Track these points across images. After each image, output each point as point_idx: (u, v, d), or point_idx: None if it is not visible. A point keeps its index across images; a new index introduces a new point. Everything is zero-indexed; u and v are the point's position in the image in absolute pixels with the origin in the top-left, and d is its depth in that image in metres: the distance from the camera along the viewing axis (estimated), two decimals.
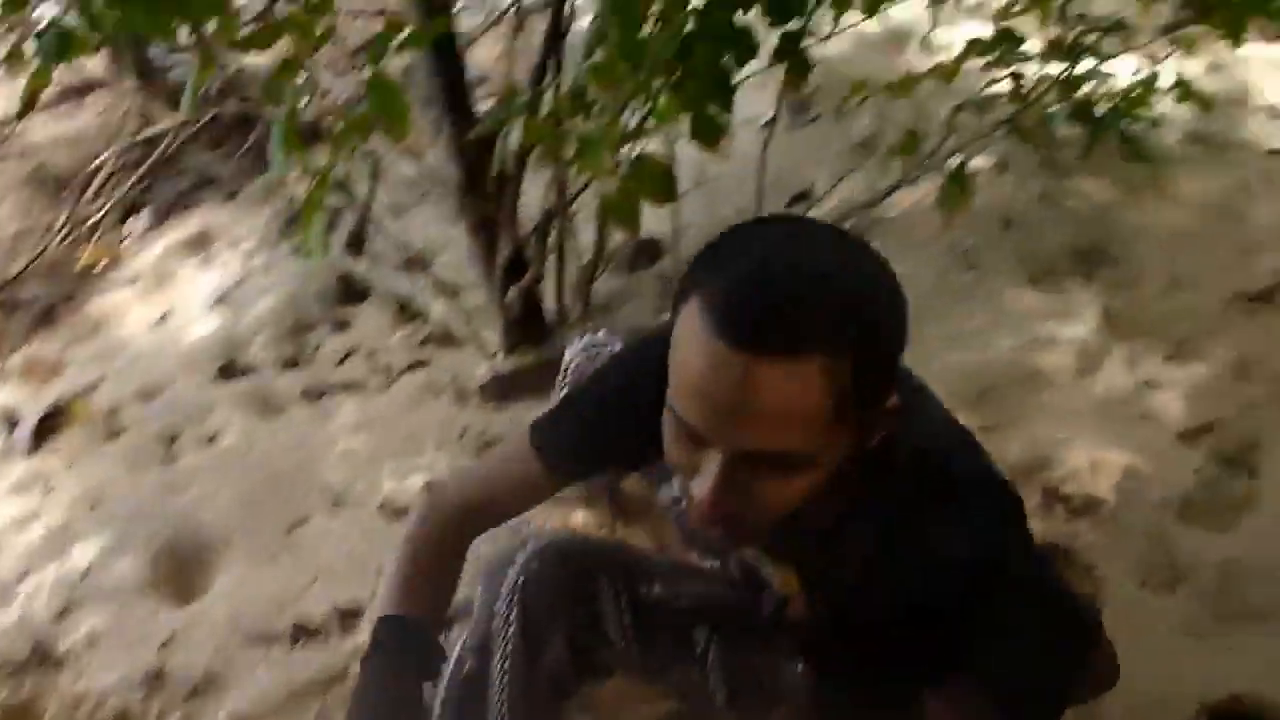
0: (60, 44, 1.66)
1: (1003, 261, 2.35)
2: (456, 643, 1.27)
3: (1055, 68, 2.27)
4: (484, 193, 2.29)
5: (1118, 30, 2.25)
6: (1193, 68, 2.72)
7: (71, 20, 1.69)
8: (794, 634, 1.23)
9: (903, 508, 0.97)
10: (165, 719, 1.79)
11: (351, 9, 3.83)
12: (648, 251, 2.73)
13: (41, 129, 3.51)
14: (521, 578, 1.24)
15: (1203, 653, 1.54)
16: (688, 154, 2.01)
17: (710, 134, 1.88)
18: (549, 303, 2.52)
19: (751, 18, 1.85)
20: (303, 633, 1.89)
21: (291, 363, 2.63)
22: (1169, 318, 2.16)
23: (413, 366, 2.55)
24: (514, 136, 2.12)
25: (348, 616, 1.90)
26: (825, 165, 2.78)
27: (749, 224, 0.92)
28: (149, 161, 3.22)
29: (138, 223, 3.23)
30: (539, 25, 2.25)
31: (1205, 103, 2.36)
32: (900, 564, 0.99)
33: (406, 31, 1.88)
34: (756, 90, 2.24)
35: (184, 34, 1.77)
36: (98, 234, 3.15)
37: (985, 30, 2.26)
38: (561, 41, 2.15)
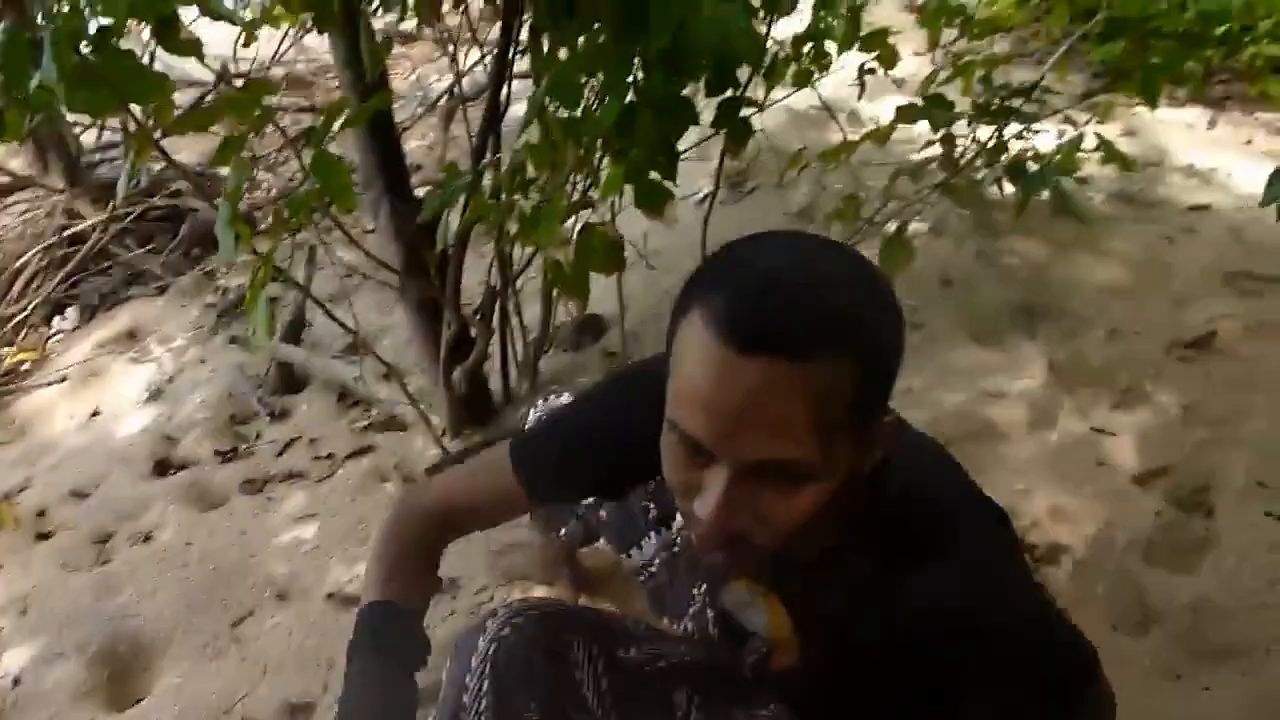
0: None
1: (945, 320, 2.38)
2: None
3: (983, 133, 2.35)
4: (426, 273, 2.27)
5: (1040, 95, 2.34)
6: (1110, 132, 2.82)
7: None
8: (778, 685, 1.19)
9: (896, 540, 0.95)
10: None
11: (278, 105, 3.84)
12: (592, 328, 2.73)
13: None
14: (493, 646, 1.19)
15: (1180, 694, 1.53)
16: (629, 229, 2.02)
17: (656, 201, 1.89)
18: (495, 382, 2.49)
19: (688, 90, 1.88)
20: None
21: (230, 455, 2.56)
22: (1112, 367, 2.20)
23: (357, 453, 2.49)
24: (454, 216, 2.12)
25: (299, 711, 1.81)
26: None
27: (746, 239, 0.92)
28: (76, 258, 3.15)
29: (64, 321, 3.14)
30: (470, 114, 2.26)
31: (1127, 163, 2.45)
32: (894, 600, 0.96)
33: (347, 112, 1.89)
34: (694, 166, 2.28)
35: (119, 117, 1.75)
36: (22, 334, 3.06)
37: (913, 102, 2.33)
38: (499, 122, 2.16)
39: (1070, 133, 2.50)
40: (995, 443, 2.03)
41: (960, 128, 2.25)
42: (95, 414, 2.77)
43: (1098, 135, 2.38)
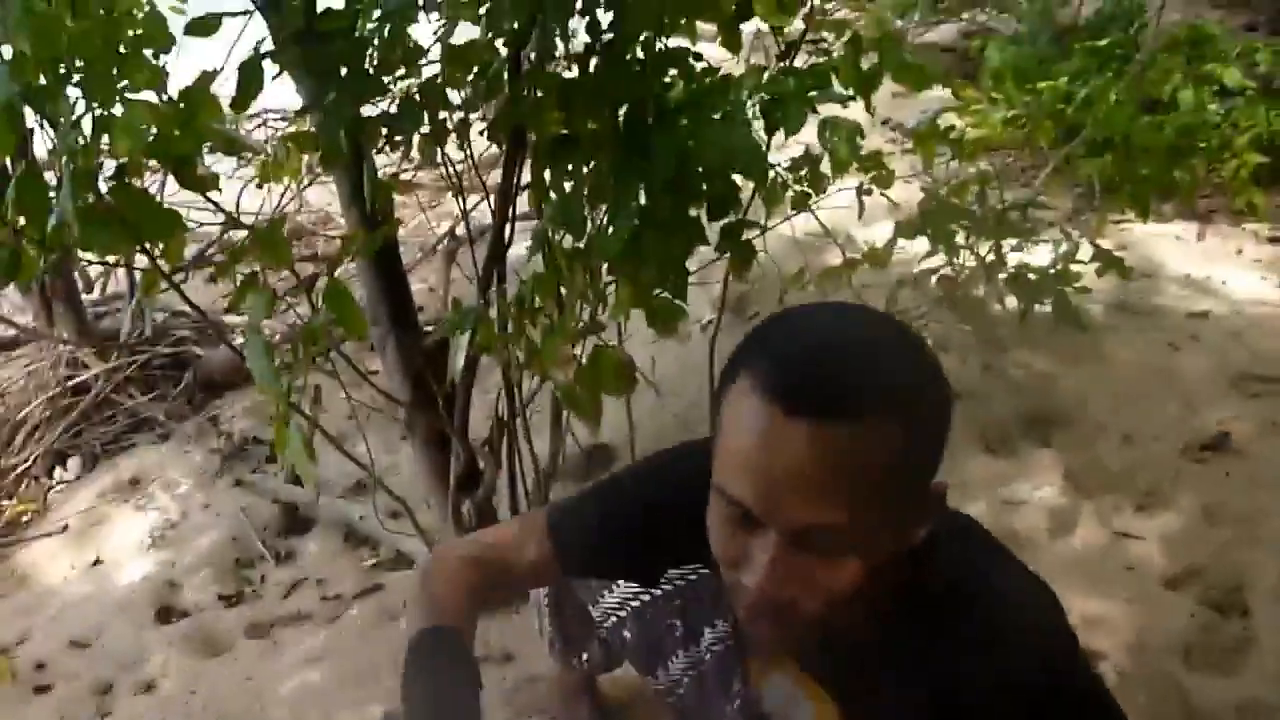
0: (10, 263, 1.63)
1: (957, 432, 2.35)
2: None
3: (980, 250, 2.39)
4: (433, 406, 2.26)
5: (1033, 210, 2.39)
6: (1102, 247, 2.88)
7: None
8: None
9: (948, 622, 0.92)
10: None
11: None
12: (601, 457, 2.71)
13: None
14: None
15: None
16: (635, 356, 2.02)
17: (669, 319, 1.91)
18: (504, 513, 2.45)
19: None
20: None
21: (235, 599, 2.50)
22: (1129, 472, 2.18)
23: (365, 592, 2.44)
24: (461, 348, 2.13)
25: None
26: None
27: (792, 310, 0.93)
28: (79, 408, 3.14)
29: (66, 472, 3.11)
30: (471, 257, 2.30)
31: (1124, 270, 2.49)
32: (949, 689, 0.92)
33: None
34: (696, 293, 2.30)
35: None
36: (24, 485, 3.02)
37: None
38: (505, 253, 2.18)
39: (1065, 248, 2.55)
40: (1019, 551, 1.94)
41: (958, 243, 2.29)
42: (97, 562, 2.71)
43: (1094, 245, 2.42)
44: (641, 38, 1.80)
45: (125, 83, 1.59)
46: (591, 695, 1.82)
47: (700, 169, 1.86)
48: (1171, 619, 1.79)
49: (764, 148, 1.94)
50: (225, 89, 1.71)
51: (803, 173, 2.29)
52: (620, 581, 1.45)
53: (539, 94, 1.89)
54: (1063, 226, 2.67)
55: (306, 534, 2.71)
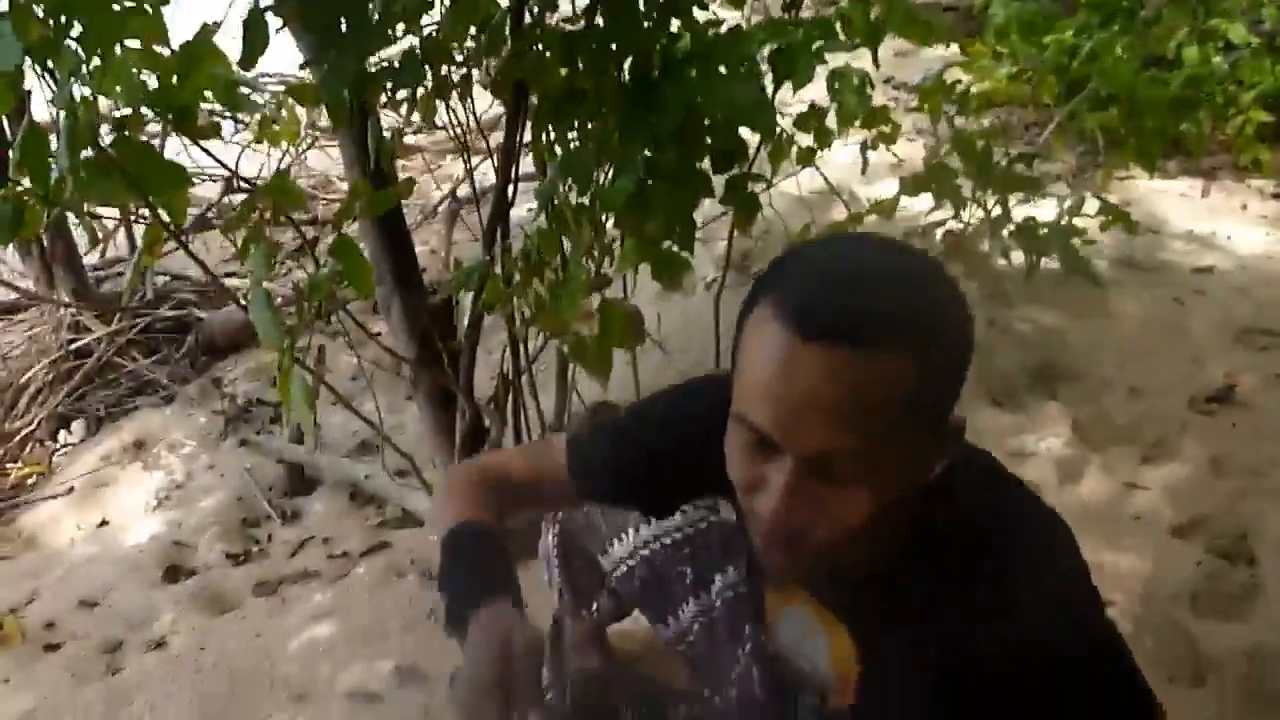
0: (13, 218, 1.62)
1: (964, 386, 2.37)
2: None
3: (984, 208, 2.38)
4: (439, 364, 2.26)
5: (1041, 160, 2.38)
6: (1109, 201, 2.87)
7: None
8: None
9: (965, 557, 0.92)
10: None
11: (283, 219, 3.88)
12: (606, 415, 2.70)
13: None
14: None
15: None
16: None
17: (675, 272, 1.90)
18: None
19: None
20: None
21: (242, 558, 2.50)
22: (1136, 424, 2.19)
23: (371, 550, 2.44)
24: (466, 306, 2.12)
25: None
26: None
27: (817, 239, 0.93)
28: (81, 372, 3.14)
29: (70, 435, 3.11)
30: (472, 219, 2.28)
31: (1130, 224, 2.48)
32: (964, 624, 0.92)
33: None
34: (700, 251, 2.28)
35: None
36: (28, 448, 3.02)
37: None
38: (508, 210, 2.17)
39: (1070, 203, 2.54)
40: None
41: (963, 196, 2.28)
42: (103, 523, 2.72)
43: (1099, 199, 2.41)
44: None
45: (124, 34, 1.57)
46: (601, 646, 1.83)
47: (706, 122, 1.85)
48: (1179, 567, 1.80)
49: (771, 101, 1.93)
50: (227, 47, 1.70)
51: (810, 125, 2.28)
52: (630, 531, 1.45)
53: (542, 48, 1.87)
54: (1068, 180, 2.66)
55: (312, 494, 2.71)
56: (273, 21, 1.74)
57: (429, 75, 1.94)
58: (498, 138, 2.12)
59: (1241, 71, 3.14)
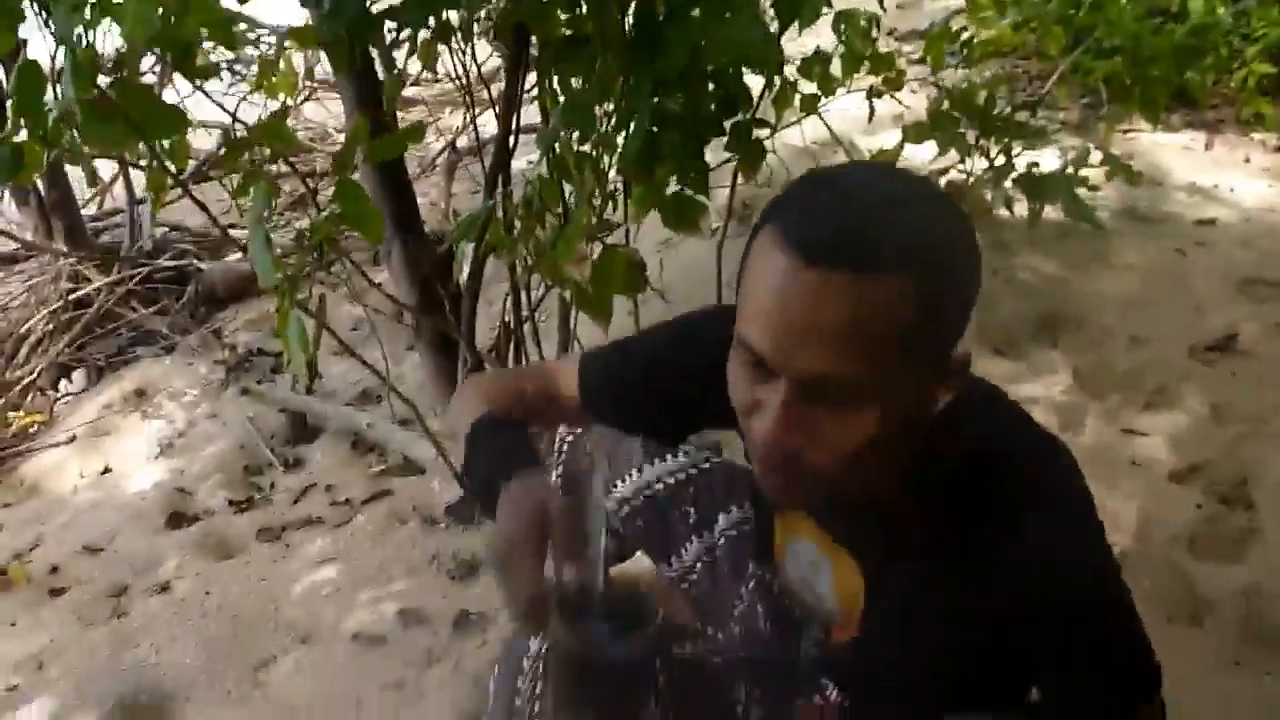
0: (12, 160, 1.61)
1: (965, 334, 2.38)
2: None
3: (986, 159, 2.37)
4: (441, 310, 2.26)
5: (1045, 108, 2.36)
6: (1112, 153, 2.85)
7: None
8: (838, 670, 1.16)
9: (970, 490, 0.93)
10: None
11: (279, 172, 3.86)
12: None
13: None
14: (546, 645, 1.16)
15: (1242, 680, 1.50)
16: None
17: (689, 214, 1.89)
18: None
19: None
20: None
21: (245, 505, 2.51)
22: (1137, 372, 2.19)
23: (374, 497, 2.45)
24: (468, 254, 2.11)
25: None
26: None
27: (826, 167, 0.92)
28: (82, 322, 3.13)
29: (71, 385, 3.11)
30: (472, 170, 2.27)
31: (1132, 175, 2.47)
32: (968, 556, 0.93)
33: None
34: None
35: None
36: (30, 397, 3.03)
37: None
38: (510, 158, 2.16)
39: (1072, 154, 2.53)
40: None
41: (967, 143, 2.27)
42: (106, 471, 2.73)
43: (1102, 149, 2.40)
44: None
45: None
46: (606, 586, 1.84)
47: (711, 67, 1.83)
48: (1178, 511, 1.81)
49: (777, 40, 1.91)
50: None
51: (814, 71, 2.26)
52: (634, 472, 1.46)
53: None
54: (1070, 128, 2.65)
55: (314, 442, 2.72)
56: None
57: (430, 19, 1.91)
58: (499, 89, 2.10)
59: (1251, 20, 3.12)
